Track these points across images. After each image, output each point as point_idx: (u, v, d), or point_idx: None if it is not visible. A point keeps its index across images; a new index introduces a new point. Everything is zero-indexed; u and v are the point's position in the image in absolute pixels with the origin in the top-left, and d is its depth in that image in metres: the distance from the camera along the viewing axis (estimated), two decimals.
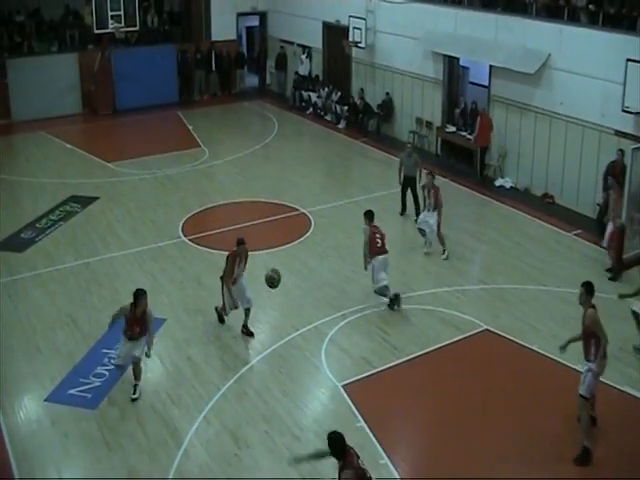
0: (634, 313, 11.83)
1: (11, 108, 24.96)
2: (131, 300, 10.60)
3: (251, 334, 12.44)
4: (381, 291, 13.19)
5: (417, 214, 16.32)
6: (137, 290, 10.69)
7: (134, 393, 10.81)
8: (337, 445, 7.58)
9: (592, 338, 9.60)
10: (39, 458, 9.79)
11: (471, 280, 14.37)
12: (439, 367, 11.66)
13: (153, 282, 14.22)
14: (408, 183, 17.06)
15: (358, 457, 7.64)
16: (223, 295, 12.30)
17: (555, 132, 18.01)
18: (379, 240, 13.14)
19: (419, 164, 16.99)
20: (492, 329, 12.58)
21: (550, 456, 9.71)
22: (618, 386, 10.97)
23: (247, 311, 12.43)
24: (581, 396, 9.61)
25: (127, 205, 18.10)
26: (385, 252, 13.13)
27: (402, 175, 17.06)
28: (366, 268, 13.26)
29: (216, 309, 12.74)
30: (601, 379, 9.89)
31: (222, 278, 12.29)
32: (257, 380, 11.29)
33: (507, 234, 16.73)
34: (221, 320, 12.76)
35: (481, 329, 12.58)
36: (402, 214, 17.36)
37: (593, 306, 9.71)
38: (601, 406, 10.24)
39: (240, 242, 12.24)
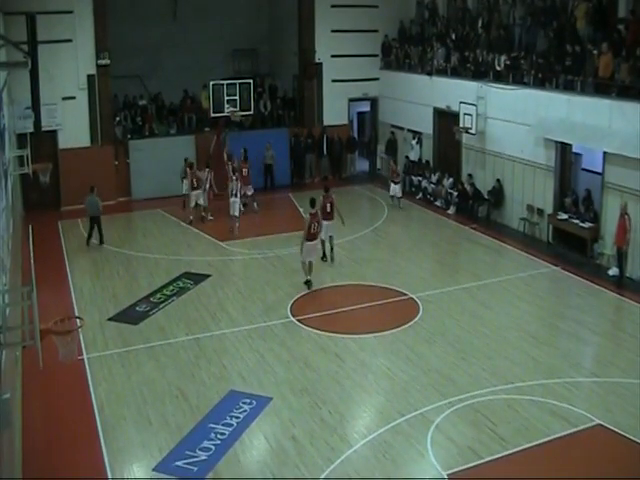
0: None
1: (132, 186, 26.23)
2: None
3: None
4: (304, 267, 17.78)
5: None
6: None
7: None
8: None
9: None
10: None
11: (583, 372, 13.93)
12: (548, 461, 11.24)
13: (261, 360, 14.42)
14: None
15: None
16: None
17: None
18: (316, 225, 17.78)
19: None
20: (605, 424, 12.10)
21: None
22: None
23: None
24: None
25: (237, 284, 18.53)
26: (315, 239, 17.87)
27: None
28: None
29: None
30: None
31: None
32: (361, 464, 11.17)
33: (621, 326, 16.22)
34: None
35: (593, 424, 12.12)
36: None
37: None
38: None
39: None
